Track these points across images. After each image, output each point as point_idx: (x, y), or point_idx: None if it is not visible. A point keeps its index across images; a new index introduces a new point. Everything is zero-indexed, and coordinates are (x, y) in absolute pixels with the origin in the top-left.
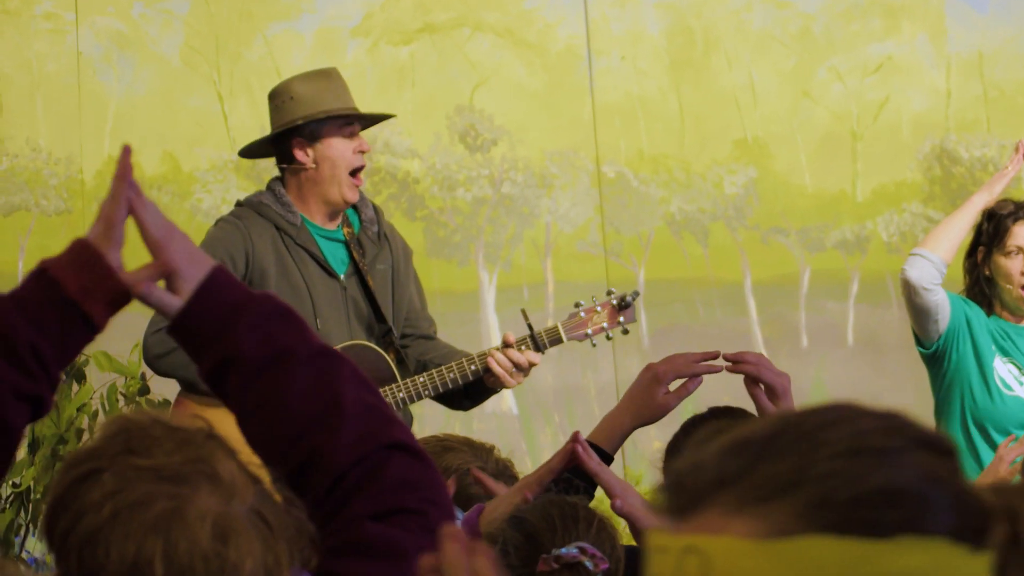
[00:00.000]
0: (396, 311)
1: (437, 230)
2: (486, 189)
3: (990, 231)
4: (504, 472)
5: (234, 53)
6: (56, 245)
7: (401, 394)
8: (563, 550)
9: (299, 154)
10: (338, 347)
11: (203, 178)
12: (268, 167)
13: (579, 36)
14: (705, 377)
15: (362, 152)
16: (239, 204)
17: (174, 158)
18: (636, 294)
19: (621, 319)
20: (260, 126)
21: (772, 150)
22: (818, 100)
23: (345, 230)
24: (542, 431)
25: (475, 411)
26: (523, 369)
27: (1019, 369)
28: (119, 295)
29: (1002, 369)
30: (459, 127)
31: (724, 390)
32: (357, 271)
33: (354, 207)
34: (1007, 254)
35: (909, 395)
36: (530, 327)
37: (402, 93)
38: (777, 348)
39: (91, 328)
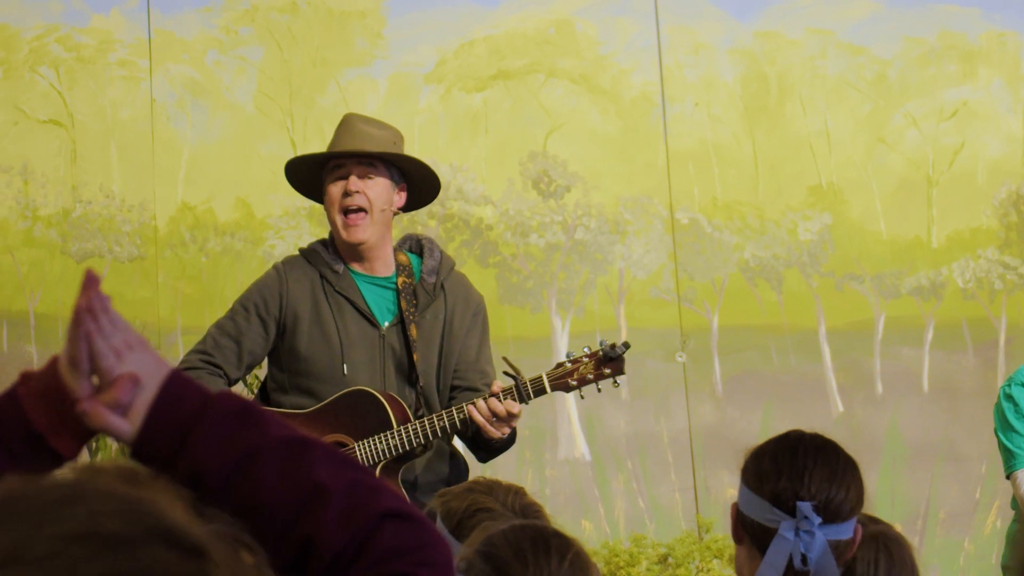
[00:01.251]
0: (444, 363)
1: (510, 276)
2: (559, 235)
3: None
4: (529, 514)
5: (308, 99)
6: (130, 292)
7: (393, 441)
8: None
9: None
10: (337, 395)
11: (276, 224)
12: None
13: (653, 83)
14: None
15: (348, 193)
16: (300, 250)
17: (247, 204)
18: (626, 346)
19: (608, 371)
20: None
21: (847, 196)
22: (893, 146)
23: (400, 279)
24: (615, 477)
25: (548, 458)
26: (503, 419)
27: None
28: (85, 429)
29: None
30: (532, 173)
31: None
32: (402, 320)
33: (421, 257)
34: None
35: (985, 441)
36: (514, 377)
37: (475, 139)
38: (852, 394)
39: (60, 460)
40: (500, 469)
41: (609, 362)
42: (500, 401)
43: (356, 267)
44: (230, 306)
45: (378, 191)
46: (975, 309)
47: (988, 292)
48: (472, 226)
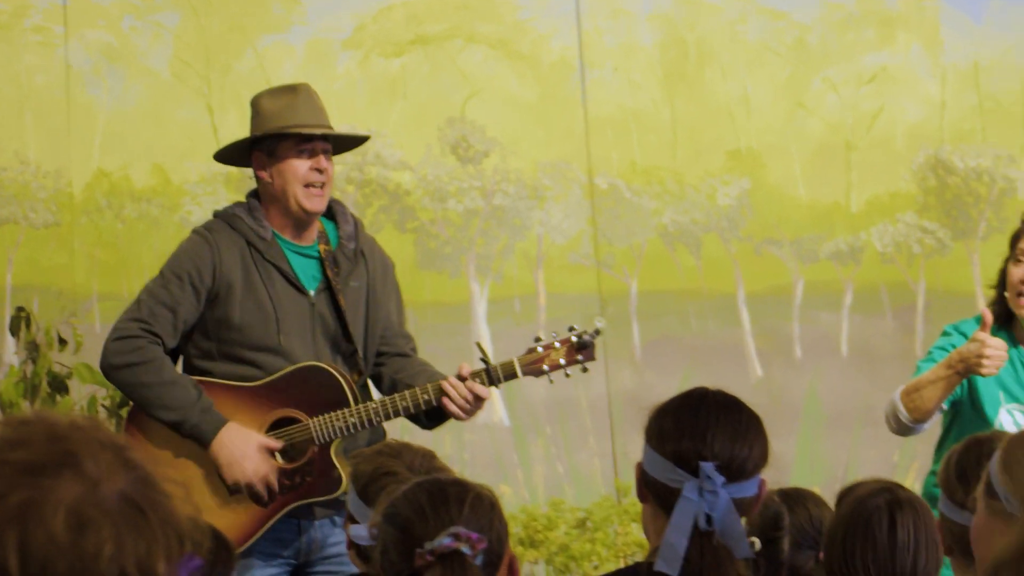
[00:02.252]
0: (370, 330)
1: (428, 242)
2: (477, 201)
3: (1011, 242)
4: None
5: (224, 65)
6: (45, 258)
7: (352, 419)
8: (437, 542)
9: (258, 168)
10: (290, 369)
11: (192, 191)
12: None
13: (572, 48)
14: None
15: (319, 170)
16: (215, 215)
17: (163, 171)
18: (597, 332)
19: (580, 357)
20: None
21: (766, 161)
22: (812, 111)
23: (321, 246)
24: (534, 443)
25: (467, 424)
26: (471, 403)
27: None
28: None
29: (1006, 419)
30: (450, 139)
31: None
32: (329, 288)
33: (335, 223)
34: (1016, 261)
35: None
36: (485, 360)
37: (393, 105)
38: (771, 359)
39: None
40: (419, 434)
41: (582, 349)
42: (470, 385)
43: (286, 235)
44: (158, 272)
45: (331, 169)
46: (894, 273)
47: (907, 256)
48: (390, 191)
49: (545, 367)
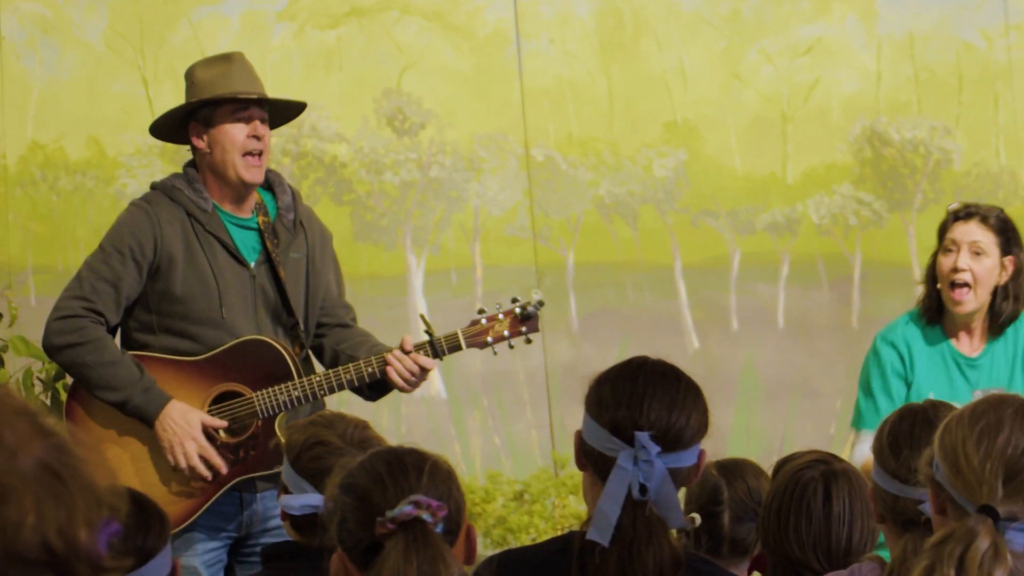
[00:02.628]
0: (311, 301)
1: (364, 214)
2: (414, 173)
3: (939, 232)
4: (369, 447)
5: (159, 37)
6: None
7: (296, 392)
8: (397, 510)
9: (195, 139)
10: (232, 342)
11: (128, 163)
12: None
13: (507, 19)
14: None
15: (257, 137)
16: (153, 187)
17: (99, 143)
18: (540, 304)
19: (523, 329)
20: None
21: (702, 133)
22: (748, 82)
23: (260, 218)
24: (471, 415)
25: (404, 396)
26: (416, 375)
27: None
28: None
29: None
30: (386, 111)
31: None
32: (268, 260)
33: (272, 194)
34: (945, 252)
35: (840, 376)
36: (429, 333)
37: (329, 77)
38: (708, 331)
39: None
40: (355, 407)
41: (526, 320)
42: (415, 357)
43: (225, 207)
44: (98, 247)
45: (269, 137)
46: (830, 245)
47: (843, 228)
48: (326, 164)
49: (489, 339)
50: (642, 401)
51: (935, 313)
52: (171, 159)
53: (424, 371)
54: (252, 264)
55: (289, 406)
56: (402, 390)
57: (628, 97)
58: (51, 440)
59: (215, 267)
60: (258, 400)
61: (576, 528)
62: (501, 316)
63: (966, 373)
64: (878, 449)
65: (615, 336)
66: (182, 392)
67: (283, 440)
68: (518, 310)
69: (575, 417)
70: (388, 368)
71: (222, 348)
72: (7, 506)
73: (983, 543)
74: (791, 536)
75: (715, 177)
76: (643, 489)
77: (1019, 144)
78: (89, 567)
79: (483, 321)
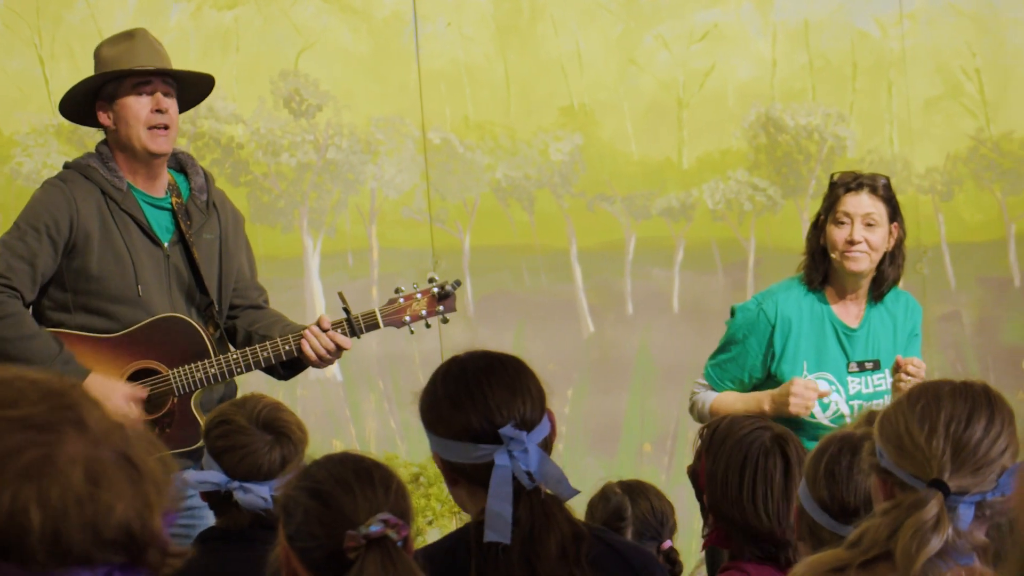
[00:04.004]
0: (224, 282)
1: (261, 196)
2: (311, 155)
3: (827, 203)
4: (274, 428)
5: (55, 16)
6: None
7: (213, 370)
8: (369, 528)
9: (101, 116)
10: (149, 320)
11: (23, 142)
12: (89, 132)
13: (405, 2)
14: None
15: (159, 111)
16: (66, 166)
17: None
18: (457, 283)
19: (440, 308)
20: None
21: (598, 117)
22: (644, 68)
23: (173, 199)
24: (366, 398)
25: (299, 378)
26: (332, 353)
27: (831, 385)
28: None
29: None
30: (283, 92)
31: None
32: (182, 240)
33: (185, 175)
34: (838, 223)
35: None
36: (346, 311)
37: (226, 58)
38: (603, 315)
39: None
40: (251, 388)
41: (443, 299)
42: (332, 335)
43: (138, 185)
44: (12, 224)
45: (176, 111)
46: (724, 230)
47: (737, 213)
48: (223, 145)
49: (407, 318)
50: (487, 399)
51: (820, 283)
52: (67, 139)
53: (340, 349)
54: (166, 244)
55: (205, 383)
56: (315, 366)
57: (525, 81)
58: (124, 431)
59: (130, 245)
60: (174, 377)
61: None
62: (419, 296)
63: (843, 342)
64: (812, 476)
65: (511, 319)
66: (99, 368)
67: (199, 418)
68: (436, 289)
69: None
70: (303, 343)
71: (139, 325)
72: (100, 489)
73: (929, 513)
74: (759, 505)
75: (611, 162)
76: (530, 476)
77: (912, 132)
78: (159, 553)
79: (400, 300)
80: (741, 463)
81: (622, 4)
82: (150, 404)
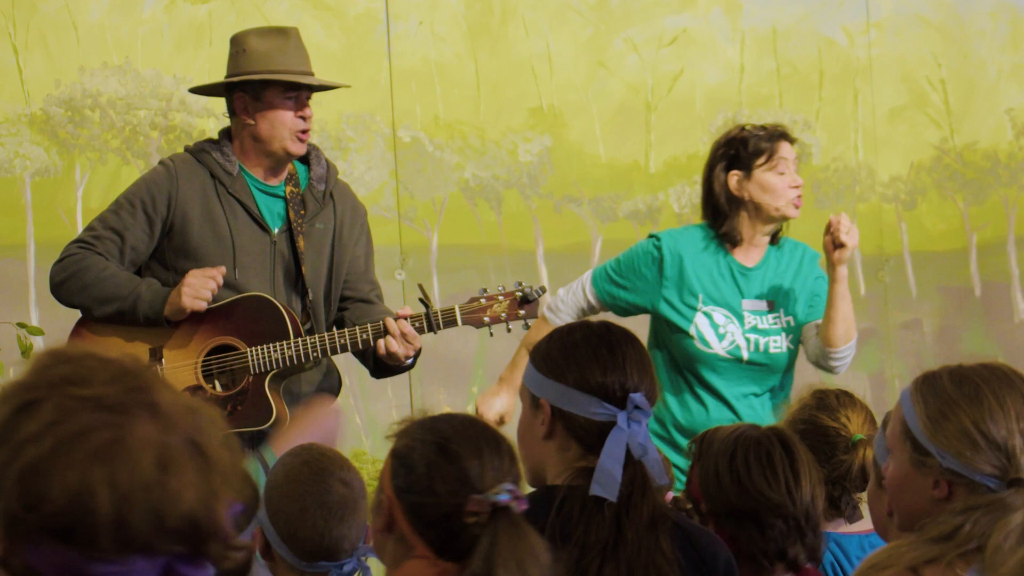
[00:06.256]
0: (335, 273)
1: None
2: None
3: (748, 152)
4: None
5: (30, 5)
6: None
7: (290, 352)
8: (497, 496)
9: (239, 109)
10: (236, 297)
11: None
12: (62, 122)
13: (378, 0)
14: None
15: (304, 118)
16: (185, 149)
17: None
18: (542, 289)
19: (522, 312)
20: (55, 79)
21: (567, 119)
22: (613, 71)
23: (288, 188)
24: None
25: None
26: (403, 346)
27: (727, 318)
28: None
29: (702, 321)
30: None
31: None
32: (290, 229)
33: (307, 165)
34: (779, 172)
35: None
36: (425, 304)
37: (199, 52)
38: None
39: None
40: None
41: (526, 304)
42: (402, 325)
43: (257, 175)
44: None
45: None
46: None
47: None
48: (195, 138)
49: (486, 318)
50: (625, 365)
51: (732, 232)
52: (40, 128)
53: (409, 343)
54: (275, 231)
55: (281, 364)
56: (387, 361)
57: (495, 81)
58: (196, 417)
59: (234, 229)
60: (251, 355)
61: None
62: (501, 297)
63: (739, 281)
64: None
65: None
66: (180, 340)
67: (271, 399)
68: (519, 294)
69: (435, 397)
70: (381, 341)
71: (224, 301)
72: (169, 476)
73: (1018, 517)
74: (761, 487)
75: (579, 164)
76: (643, 447)
77: (877, 140)
78: (223, 545)
79: (482, 300)
80: (731, 450)
81: (592, 7)
82: (226, 379)
